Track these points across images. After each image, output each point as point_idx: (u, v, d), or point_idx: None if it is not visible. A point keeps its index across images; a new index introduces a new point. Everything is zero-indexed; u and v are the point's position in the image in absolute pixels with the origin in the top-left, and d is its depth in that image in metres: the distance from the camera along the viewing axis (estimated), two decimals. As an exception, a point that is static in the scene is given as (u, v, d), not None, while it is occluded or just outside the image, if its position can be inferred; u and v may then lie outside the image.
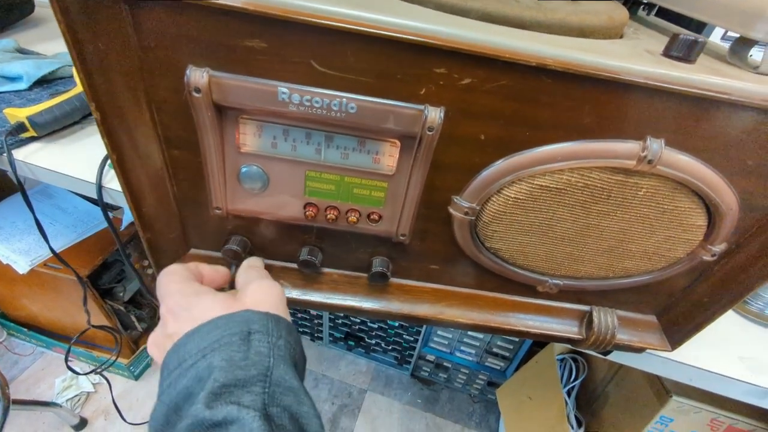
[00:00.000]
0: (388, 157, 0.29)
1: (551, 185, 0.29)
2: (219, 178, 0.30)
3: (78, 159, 0.50)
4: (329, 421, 1.14)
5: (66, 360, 0.87)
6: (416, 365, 1.20)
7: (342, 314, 1.11)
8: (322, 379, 1.23)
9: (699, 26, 0.46)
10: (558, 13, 0.27)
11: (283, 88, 0.25)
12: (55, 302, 1.02)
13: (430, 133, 0.26)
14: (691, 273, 0.36)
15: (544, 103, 0.26)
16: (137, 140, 0.28)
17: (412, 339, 1.13)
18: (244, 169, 0.30)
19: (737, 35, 0.28)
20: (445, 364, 1.15)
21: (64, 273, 0.90)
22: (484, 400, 1.21)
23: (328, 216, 0.32)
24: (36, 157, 0.50)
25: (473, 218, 0.31)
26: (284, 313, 0.28)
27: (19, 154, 0.50)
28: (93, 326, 0.88)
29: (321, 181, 0.30)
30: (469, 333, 1.05)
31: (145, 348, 1.14)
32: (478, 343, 1.07)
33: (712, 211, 0.30)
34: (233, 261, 0.35)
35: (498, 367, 1.10)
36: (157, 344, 0.27)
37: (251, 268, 0.33)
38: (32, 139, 0.52)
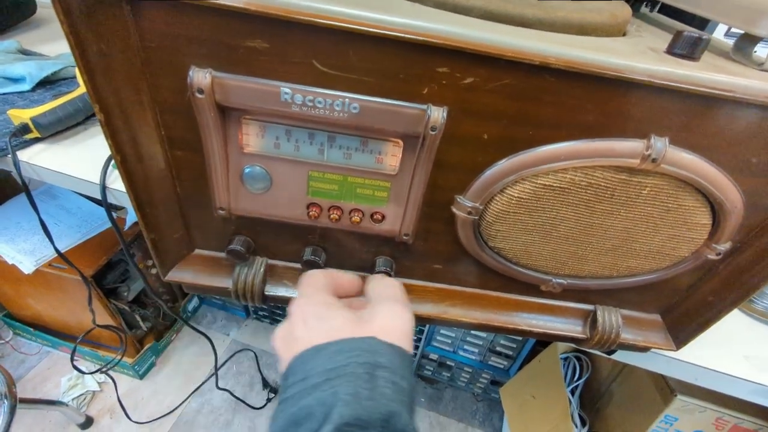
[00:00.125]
0: (391, 156, 0.29)
1: (555, 184, 0.29)
2: (222, 179, 0.30)
3: (82, 160, 0.50)
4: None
5: (72, 359, 0.88)
6: (419, 364, 1.20)
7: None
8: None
9: (702, 22, 0.46)
10: (560, 10, 0.27)
11: (285, 89, 0.25)
12: (60, 302, 1.03)
13: (433, 132, 0.26)
14: (696, 272, 0.35)
15: (547, 102, 0.25)
16: (141, 141, 0.28)
17: (415, 338, 1.13)
18: (247, 170, 0.30)
19: (741, 32, 0.28)
20: (448, 362, 1.15)
21: (69, 273, 0.90)
22: (488, 398, 1.21)
23: (332, 216, 0.32)
24: (40, 158, 0.50)
25: (476, 218, 0.31)
26: (409, 344, 0.28)
27: (23, 155, 0.50)
28: (98, 326, 0.88)
29: (324, 181, 0.30)
30: (472, 332, 1.05)
31: (149, 348, 1.15)
32: (481, 342, 1.07)
33: (716, 209, 0.30)
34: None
35: (501, 366, 1.10)
36: (284, 341, 0.28)
37: (385, 281, 0.32)
38: (36, 140, 0.52)
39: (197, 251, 0.37)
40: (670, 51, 0.26)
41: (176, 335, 1.27)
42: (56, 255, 0.60)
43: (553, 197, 0.29)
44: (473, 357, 1.12)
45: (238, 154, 0.29)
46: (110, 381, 1.05)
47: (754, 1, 0.26)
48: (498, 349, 1.06)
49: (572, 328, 0.39)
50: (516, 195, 0.29)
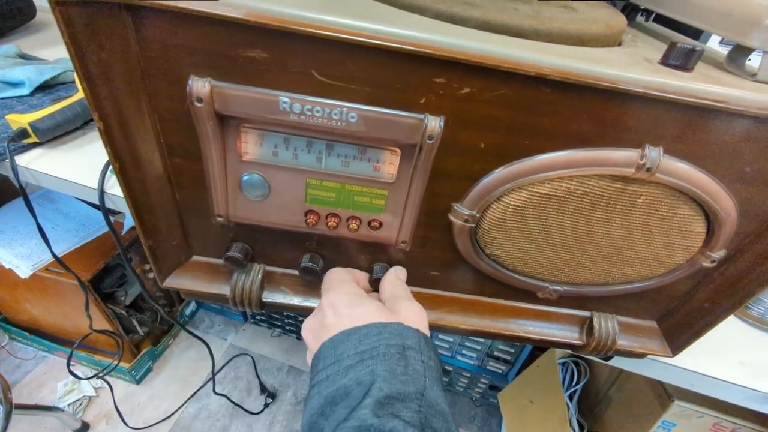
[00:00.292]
0: (389, 165, 0.29)
1: (551, 193, 0.29)
2: (221, 186, 0.30)
3: (80, 164, 0.50)
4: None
5: (68, 364, 0.87)
6: (417, 369, 1.19)
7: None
8: (323, 383, 1.22)
9: (697, 32, 0.46)
10: (556, 21, 0.27)
11: (284, 98, 0.25)
12: (57, 306, 1.02)
13: (430, 141, 0.27)
14: (691, 279, 0.36)
15: (543, 112, 0.26)
16: (140, 148, 0.28)
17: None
18: (245, 178, 0.30)
19: (735, 42, 0.28)
20: (446, 367, 1.15)
21: (66, 277, 0.90)
22: (486, 404, 1.21)
23: (329, 223, 0.32)
24: (38, 163, 0.50)
25: (473, 225, 0.31)
26: (428, 334, 0.30)
27: (22, 160, 0.50)
28: (95, 330, 0.88)
29: (322, 189, 0.31)
30: (470, 337, 1.05)
31: (146, 352, 1.14)
32: (479, 347, 1.07)
33: (711, 218, 0.30)
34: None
35: (499, 371, 1.10)
36: (313, 331, 0.30)
37: (399, 281, 0.34)
38: (34, 145, 0.52)
39: (195, 258, 0.37)
40: (665, 62, 0.27)
41: (173, 340, 1.26)
42: (53, 259, 0.60)
43: (550, 205, 0.30)
44: (471, 362, 1.11)
45: (236, 161, 0.29)
46: (107, 386, 1.04)
47: (746, 13, 0.26)
48: (496, 353, 1.06)
49: (569, 334, 0.39)
50: (512, 203, 0.30)
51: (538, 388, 0.97)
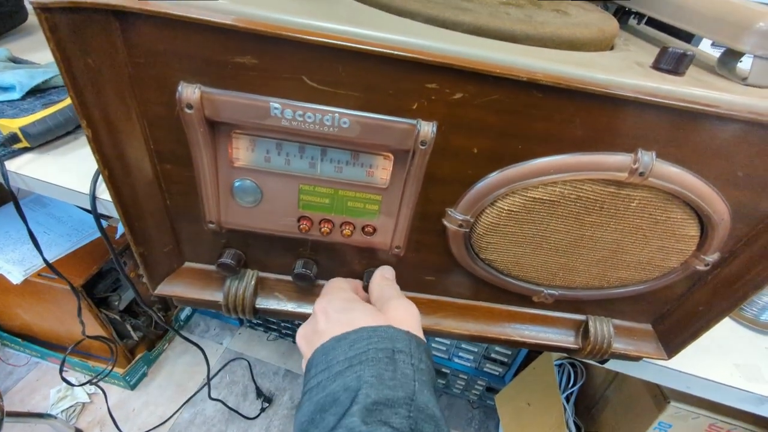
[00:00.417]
0: (382, 170, 0.29)
1: (544, 197, 0.29)
2: (212, 193, 0.30)
3: (71, 170, 0.50)
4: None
5: (61, 371, 0.86)
6: (414, 371, 1.19)
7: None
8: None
9: (689, 34, 0.46)
10: (548, 26, 0.27)
11: (275, 104, 0.25)
12: (49, 312, 1.01)
13: (423, 147, 0.26)
14: (686, 282, 0.36)
15: (536, 117, 0.26)
16: (129, 155, 0.28)
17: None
18: (237, 183, 0.30)
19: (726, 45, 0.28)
20: (443, 370, 1.15)
21: (59, 283, 0.89)
22: (483, 405, 1.20)
23: (323, 229, 0.32)
24: (29, 168, 0.49)
25: (467, 230, 0.31)
26: (421, 335, 0.29)
27: (12, 165, 0.49)
28: (88, 336, 0.87)
29: (315, 194, 0.30)
30: (467, 339, 1.05)
31: (141, 358, 1.13)
32: (476, 349, 1.07)
33: (704, 221, 0.30)
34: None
35: (496, 373, 1.10)
36: (306, 338, 0.30)
37: (386, 281, 0.34)
38: (25, 149, 0.51)
39: (187, 264, 0.36)
40: (656, 66, 0.27)
41: (168, 345, 1.25)
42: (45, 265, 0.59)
43: (543, 210, 0.30)
44: (468, 364, 1.11)
45: (228, 167, 0.29)
46: (100, 392, 1.03)
47: (737, 17, 0.26)
48: (493, 355, 1.06)
49: (564, 338, 0.39)
50: (506, 208, 0.29)
51: (535, 389, 0.97)
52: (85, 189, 0.46)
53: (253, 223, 0.32)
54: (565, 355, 0.96)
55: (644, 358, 0.41)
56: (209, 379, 1.00)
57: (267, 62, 0.24)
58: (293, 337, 1.28)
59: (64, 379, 0.85)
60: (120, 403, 1.11)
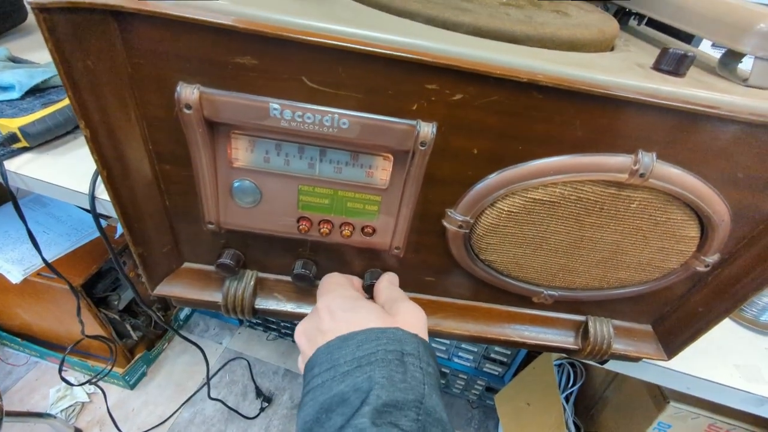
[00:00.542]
0: (381, 171, 0.29)
1: (544, 198, 0.29)
2: (211, 193, 0.30)
3: (71, 169, 0.50)
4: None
5: (60, 371, 0.86)
6: (414, 371, 1.19)
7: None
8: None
9: (689, 35, 0.46)
10: (549, 27, 0.27)
11: (274, 105, 0.25)
12: (49, 312, 1.01)
13: (423, 148, 0.26)
14: (686, 283, 0.36)
15: (536, 118, 0.26)
16: (128, 156, 0.28)
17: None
18: (236, 184, 0.30)
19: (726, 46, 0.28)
20: (443, 370, 1.15)
21: (58, 282, 0.89)
22: (483, 405, 1.20)
23: (322, 230, 0.32)
24: (28, 168, 0.49)
25: (467, 231, 0.31)
26: (427, 338, 0.29)
27: (11, 164, 0.49)
28: (87, 336, 0.87)
29: (314, 195, 0.30)
30: (467, 339, 1.05)
31: (140, 357, 1.13)
32: (476, 349, 1.07)
33: (704, 222, 0.30)
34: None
35: (496, 373, 1.10)
36: (308, 335, 0.29)
37: (393, 285, 0.34)
38: (24, 149, 0.51)
39: (186, 265, 0.36)
40: (657, 67, 0.26)
41: (168, 344, 1.25)
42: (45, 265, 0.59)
43: (543, 211, 0.29)
44: (468, 364, 1.11)
45: (227, 168, 0.29)
46: (100, 392, 1.03)
47: (737, 18, 0.26)
48: (493, 355, 1.06)
49: (564, 339, 0.39)
50: (506, 209, 0.29)
51: (534, 389, 0.97)
52: (85, 189, 0.46)
53: (252, 224, 0.32)
54: (565, 355, 0.96)
55: (644, 359, 0.41)
56: (209, 378, 1.00)
57: (267, 63, 0.24)
58: (293, 336, 1.28)
59: (63, 379, 0.85)
60: (119, 402, 1.11)
